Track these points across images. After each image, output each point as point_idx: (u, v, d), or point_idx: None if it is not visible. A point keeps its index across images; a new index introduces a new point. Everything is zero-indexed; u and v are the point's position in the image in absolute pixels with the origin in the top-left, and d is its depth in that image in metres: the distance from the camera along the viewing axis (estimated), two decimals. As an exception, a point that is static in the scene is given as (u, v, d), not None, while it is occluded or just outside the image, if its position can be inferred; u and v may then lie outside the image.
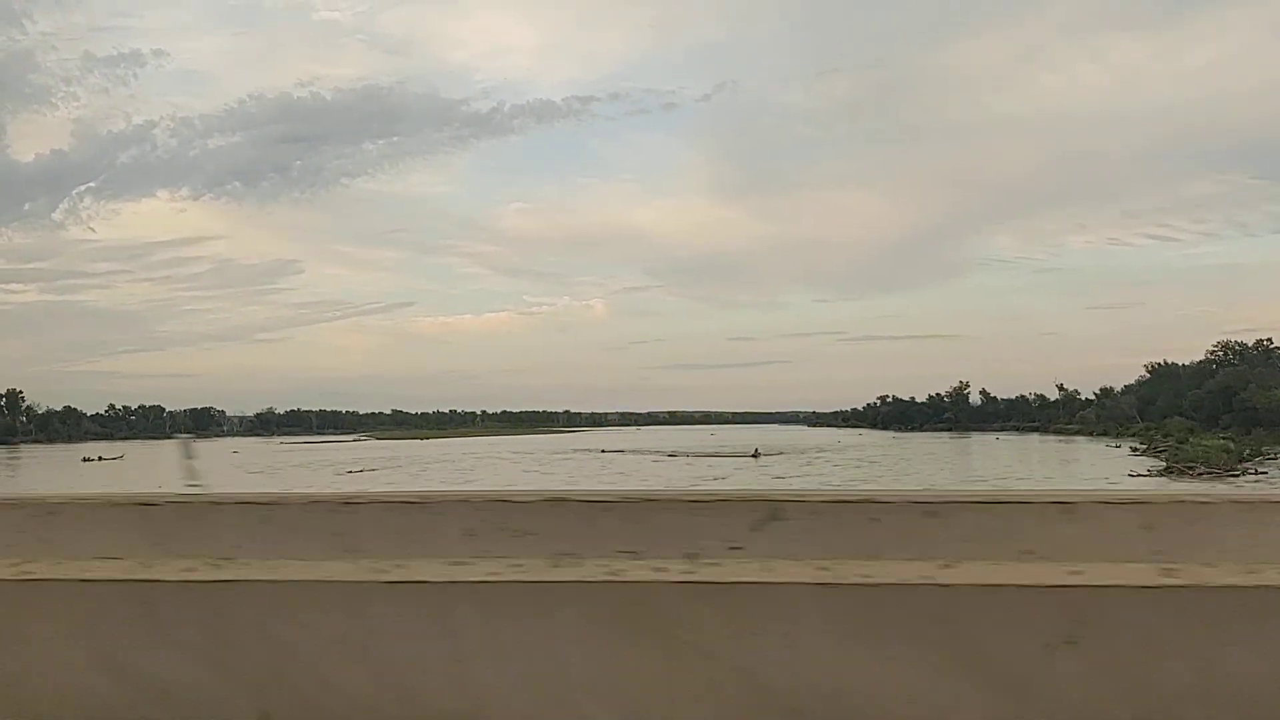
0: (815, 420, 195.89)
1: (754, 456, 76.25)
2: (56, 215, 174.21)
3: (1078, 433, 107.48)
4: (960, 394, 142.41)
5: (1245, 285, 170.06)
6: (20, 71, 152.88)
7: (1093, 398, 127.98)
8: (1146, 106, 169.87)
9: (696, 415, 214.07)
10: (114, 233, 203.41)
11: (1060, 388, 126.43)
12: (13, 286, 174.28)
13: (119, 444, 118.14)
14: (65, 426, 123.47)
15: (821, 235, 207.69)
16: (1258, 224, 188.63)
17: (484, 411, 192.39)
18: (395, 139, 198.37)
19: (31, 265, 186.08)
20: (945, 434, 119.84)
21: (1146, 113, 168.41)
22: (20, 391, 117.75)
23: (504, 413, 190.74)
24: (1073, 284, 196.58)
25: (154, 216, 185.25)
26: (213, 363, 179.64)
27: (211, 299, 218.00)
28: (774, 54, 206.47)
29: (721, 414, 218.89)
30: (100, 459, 74.84)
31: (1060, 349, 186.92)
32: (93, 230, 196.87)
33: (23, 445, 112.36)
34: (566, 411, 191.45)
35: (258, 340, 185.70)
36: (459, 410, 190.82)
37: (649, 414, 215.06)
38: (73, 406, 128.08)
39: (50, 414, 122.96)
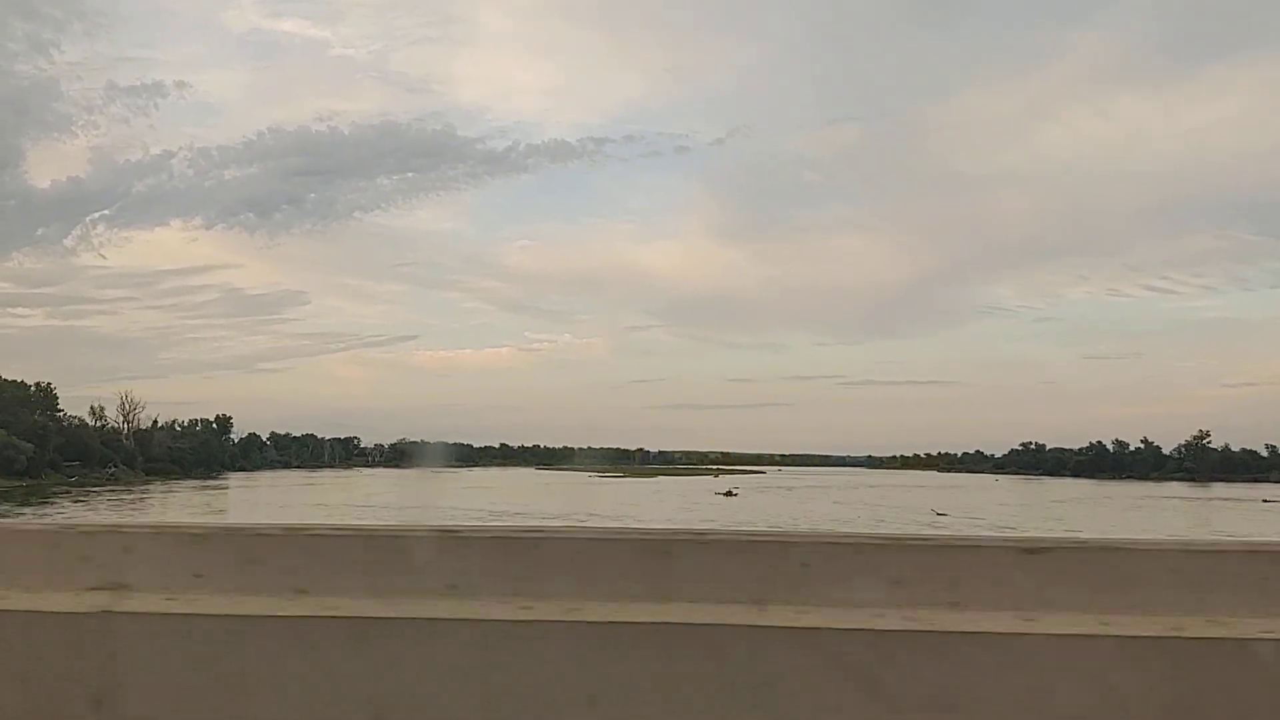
0: (876, 463, 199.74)
1: None
2: (68, 241, 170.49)
3: None
4: (1200, 443, 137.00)
5: (1244, 339, 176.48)
6: (44, 100, 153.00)
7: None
8: (1149, 161, 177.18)
9: (747, 456, 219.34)
10: (125, 260, 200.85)
11: None
12: (19, 311, 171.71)
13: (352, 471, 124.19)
14: (260, 455, 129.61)
15: (823, 280, 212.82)
16: (1257, 279, 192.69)
17: (565, 447, 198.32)
18: (410, 175, 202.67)
19: (40, 290, 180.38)
20: (1183, 485, 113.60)
21: (1149, 167, 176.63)
22: (230, 417, 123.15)
23: (588, 448, 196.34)
24: (1072, 334, 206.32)
25: (165, 245, 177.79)
26: (213, 391, 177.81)
27: (216, 328, 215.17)
28: (786, 101, 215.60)
29: (771, 455, 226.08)
30: (733, 493, 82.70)
31: (1058, 398, 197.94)
32: (104, 257, 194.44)
33: (237, 474, 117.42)
34: (641, 450, 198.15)
35: (259, 370, 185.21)
36: (549, 445, 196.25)
37: (702, 454, 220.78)
38: (257, 434, 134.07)
39: (250, 441, 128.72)
